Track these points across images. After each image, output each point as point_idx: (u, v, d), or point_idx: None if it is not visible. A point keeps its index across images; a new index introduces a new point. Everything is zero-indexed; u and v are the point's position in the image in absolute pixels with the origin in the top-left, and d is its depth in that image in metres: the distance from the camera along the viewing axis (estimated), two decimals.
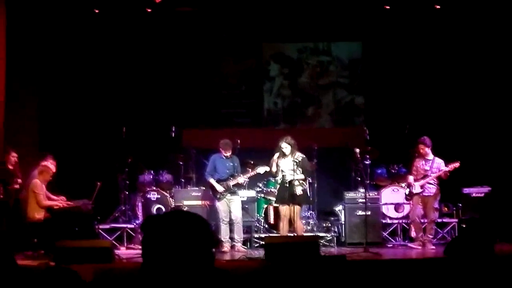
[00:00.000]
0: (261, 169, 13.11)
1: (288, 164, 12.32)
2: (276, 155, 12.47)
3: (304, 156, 12.53)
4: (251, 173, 13.12)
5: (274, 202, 13.14)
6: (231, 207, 12.81)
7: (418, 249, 12.70)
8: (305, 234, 13.29)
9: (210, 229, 3.44)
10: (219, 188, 12.77)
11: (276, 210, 13.13)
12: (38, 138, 14.68)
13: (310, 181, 14.22)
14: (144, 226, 3.36)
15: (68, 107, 15.43)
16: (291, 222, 12.40)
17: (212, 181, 12.91)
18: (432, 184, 12.77)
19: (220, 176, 12.89)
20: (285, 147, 12.31)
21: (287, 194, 12.30)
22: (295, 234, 12.32)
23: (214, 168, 13.01)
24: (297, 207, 12.38)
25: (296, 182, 12.33)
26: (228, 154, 12.93)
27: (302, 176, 12.47)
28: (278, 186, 12.67)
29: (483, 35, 15.12)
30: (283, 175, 12.41)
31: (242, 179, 12.98)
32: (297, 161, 12.25)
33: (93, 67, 15.68)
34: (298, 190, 12.35)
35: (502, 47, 14.84)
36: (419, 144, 12.84)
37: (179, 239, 3.29)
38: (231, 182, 12.80)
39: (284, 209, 12.39)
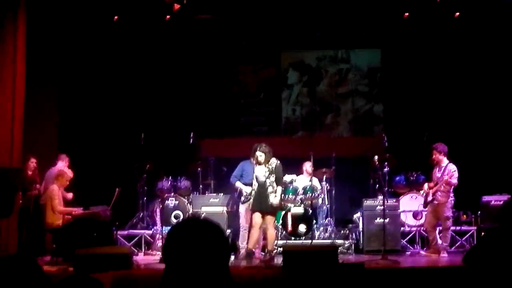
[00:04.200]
0: (288, 177, 13.14)
1: (262, 171, 12.07)
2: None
3: (279, 162, 12.26)
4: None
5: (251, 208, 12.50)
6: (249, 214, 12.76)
7: (430, 256, 12.62)
8: (323, 242, 13.31)
9: (226, 237, 3.46)
10: (247, 188, 12.68)
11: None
12: (57, 145, 14.75)
13: (328, 188, 14.23)
14: (168, 234, 3.39)
15: (87, 114, 15.53)
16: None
17: (239, 183, 12.91)
18: (442, 191, 12.65)
19: (248, 181, 12.80)
20: (260, 155, 12.04)
21: (260, 202, 12.04)
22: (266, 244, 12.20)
23: (242, 173, 12.99)
24: (269, 216, 12.11)
25: (270, 189, 12.02)
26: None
27: (274, 185, 12.10)
28: (253, 193, 12.21)
29: (502, 43, 15.06)
30: (258, 183, 12.08)
31: None
32: (270, 167, 12.04)
33: (113, 74, 15.78)
34: (271, 198, 12.00)
35: None
36: (432, 151, 12.78)
37: (196, 247, 3.31)
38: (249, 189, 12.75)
39: (256, 217, 12.10)
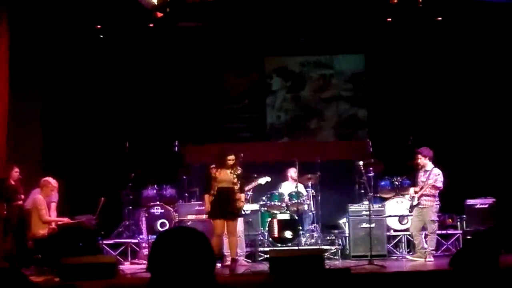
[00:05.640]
0: (262, 180, 13.08)
1: (227, 176, 11.73)
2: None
3: (242, 171, 12.16)
4: (253, 185, 13.06)
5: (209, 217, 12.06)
6: None
7: (416, 261, 12.64)
8: (310, 247, 13.30)
9: (211, 246, 3.45)
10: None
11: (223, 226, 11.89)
12: (41, 153, 14.67)
13: (314, 194, 14.24)
14: (153, 243, 3.38)
15: (71, 123, 15.45)
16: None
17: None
18: (428, 195, 12.66)
19: None
20: (232, 159, 11.75)
21: (223, 208, 11.63)
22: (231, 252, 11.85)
23: None
24: (232, 222, 11.74)
25: (238, 195, 11.82)
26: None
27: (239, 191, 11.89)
28: (212, 198, 11.71)
29: (485, 46, 15.13)
30: (220, 187, 11.67)
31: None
32: (236, 174, 11.81)
33: (96, 82, 15.72)
34: (234, 204, 11.74)
35: (505, 58, 14.85)
36: (417, 155, 12.80)
37: (181, 256, 3.29)
38: None
39: (218, 224, 11.66)
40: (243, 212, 12.25)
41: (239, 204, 11.82)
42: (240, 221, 12.60)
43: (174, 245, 3.32)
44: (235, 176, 11.76)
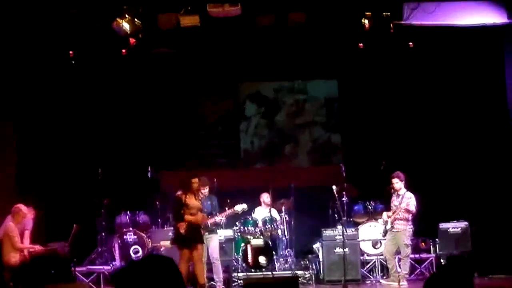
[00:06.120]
0: (239, 207, 13.02)
1: (195, 202, 11.67)
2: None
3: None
4: (229, 212, 13.01)
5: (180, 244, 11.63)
6: (209, 246, 12.60)
7: (390, 285, 12.66)
8: (284, 273, 13.28)
9: (179, 272, 3.43)
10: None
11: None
12: (15, 181, 14.55)
13: (287, 219, 14.23)
14: (115, 278, 3.37)
15: (45, 150, 15.35)
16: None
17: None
18: (401, 219, 12.69)
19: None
20: (196, 182, 11.66)
21: (190, 235, 11.46)
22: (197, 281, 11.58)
23: None
24: (199, 250, 11.58)
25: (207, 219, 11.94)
26: (206, 191, 12.77)
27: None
28: (185, 225, 11.44)
29: (456, 71, 15.27)
30: (191, 213, 11.55)
31: (219, 218, 12.80)
32: (200, 200, 11.87)
33: (70, 108, 15.64)
34: (200, 231, 11.77)
35: (476, 82, 15.00)
36: (391, 179, 12.85)
37: (149, 284, 3.28)
38: (210, 221, 12.60)
39: (184, 253, 11.44)
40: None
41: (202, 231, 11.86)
42: (217, 247, 12.59)
43: (141, 272, 3.31)
44: (200, 202, 11.78)
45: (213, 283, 12.61)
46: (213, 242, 12.64)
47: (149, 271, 3.31)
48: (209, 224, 12.52)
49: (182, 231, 11.44)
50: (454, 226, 13.94)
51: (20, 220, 12.47)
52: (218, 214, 12.74)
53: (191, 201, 11.58)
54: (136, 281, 3.28)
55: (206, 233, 12.43)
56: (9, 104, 14.52)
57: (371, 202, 14.36)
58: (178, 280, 3.35)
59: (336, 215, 13.99)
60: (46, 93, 15.37)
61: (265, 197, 14.29)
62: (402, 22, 13.26)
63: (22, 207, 12.55)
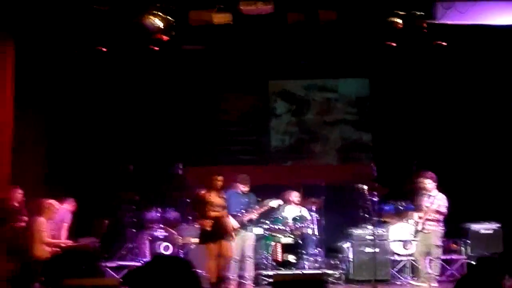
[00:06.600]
0: (274, 203, 13.00)
1: (218, 200, 11.78)
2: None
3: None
4: (264, 208, 12.98)
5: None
6: (244, 244, 12.65)
7: (420, 286, 12.57)
8: (313, 272, 13.24)
9: (195, 273, 3.41)
10: (235, 223, 12.58)
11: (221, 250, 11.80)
12: (44, 177, 14.66)
13: (318, 218, 14.18)
14: (127, 280, 3.36)
15: (75, 145, 15.45)
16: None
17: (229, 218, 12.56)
18: (432, 220, 12.58)
19: (235, 212, 12.60)
20: (221, 180, 11.80)
21: (216, 232, 11.62)
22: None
23: (229, 204, 12.68)
24: (227, 244, 11.79)
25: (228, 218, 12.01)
26: (246, 189, 12.78)
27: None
28: (211, 222, 11.62)
29: (489, 70, 15.14)
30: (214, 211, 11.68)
31: (255, 215, 12.81)
32: (224, 197, 11.92)
33: (100, 105, 15.76)
34: (231, 225, 11.95)
35: (509, 82, 14.85)
36: (421, 179, 12.72)
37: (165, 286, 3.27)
38: (245, 218, 12.66)
39: (212, 249, 11.62)
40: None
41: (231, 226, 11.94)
42: (252, 244, 12.68)
43: (156, 275, 3.29)
44: (223, 199, 11.83)
45: (242, 281, 12.63)
46: (249, 239, 12.66)
47: (161, 273, 3.29)
48: (245, 221, 12.57)
49: (208, 228, 11.48)
50: (486, 228, 13.83)
51: (51, 216, 12.53)
52: (253, 211, 12.74)
53: (215, 199, 11.65)
54: (148, 283, 3.27)
55: (242, 231, 12.50)
56: (41, 101, 14.62)
57: (402, 202, 14.28)
58: (192, 281, 3.33)
59: (366, 215, 13.91)
60: (77, 89, 15.47)
61: (294, 196, 14.21)
62: (435, 21, 13.16)
63: (54, 202, 12.62)
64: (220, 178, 11.76)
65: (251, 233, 12.83)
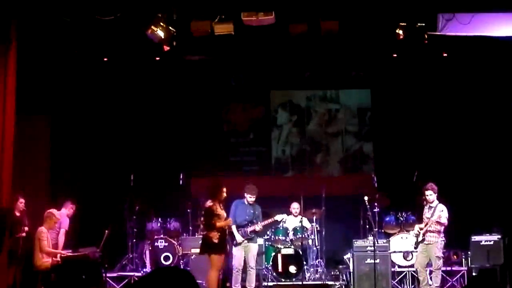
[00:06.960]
0: (279, 217, 13.08)
1: (222, 212, 11.74)
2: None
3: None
4: (269, 221, 13.02)
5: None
6: (247, 255, 12.67)
7: None
8: (314, 283, 13.23)
9: (192, 281, 3.42)
10: (238, 237, 12.65)
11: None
12: (48, 185, 14.68)
13: (318, 229, 14.18)
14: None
15: (77, 155, 15.46)
16: None
17: (233, 228, 12.67)
18: (432, 232, 12.56)
19: (239, 223, 12.72)
20: (225, 191, 11.80)
21: (221, 244, 11.59)
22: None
23: (234, 214, 12.78)
24: (222, 258, 11.72)
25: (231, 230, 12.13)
26: (253, 199, 12.81)
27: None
28: (218, 234, 11.52)
29: (490, 82, 15.15)
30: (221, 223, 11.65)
31: (259, 226, 12.84)
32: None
33: (102, 114, 15.77)
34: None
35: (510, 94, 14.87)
36: (424, 191, 12.72)
37: None
38: (249, 229, 12.69)
39: (217, 261, 11.52)
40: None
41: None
42: (255, 255, 12.75)
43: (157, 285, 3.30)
44: (223, 210, 11.81)
45: None
46: (252, 250, 12.70)
47: (161, 283, 3.30)
48: (248, 232, 12.60)
49: (215, 240, 11.48)
50: (487, 239, 13.82)
51: (52, 225, 12.56)
52: (258, 222, 12.77)
53: (221, 211, 11.69)
54: None
55: (245, 241, 12.56)
56: (44, 111, 14.66)
57: (403, 213, 14.27)
58: None
59: (367, 226, 13.92)
60: (80, 99, 15.49)
61: (295, 207, 14.22)
62: (437, 32, 13.17)
63: (55, 211, 12.64)
64: (225, 189, 11.78)
65: (255, 244, 12.85)
